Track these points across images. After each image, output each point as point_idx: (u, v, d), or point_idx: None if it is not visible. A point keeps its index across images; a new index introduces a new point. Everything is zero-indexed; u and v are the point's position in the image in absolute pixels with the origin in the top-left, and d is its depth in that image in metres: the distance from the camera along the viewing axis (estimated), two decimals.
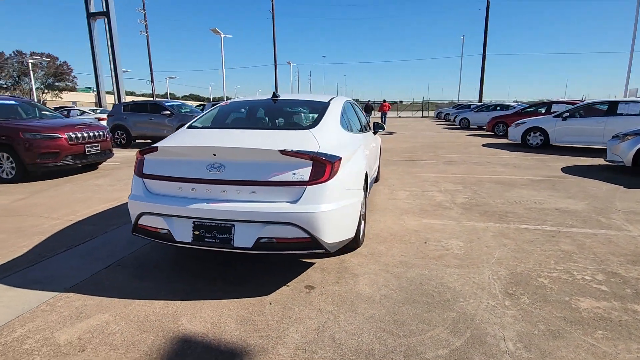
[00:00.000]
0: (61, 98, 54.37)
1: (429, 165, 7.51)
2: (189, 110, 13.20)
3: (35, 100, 37.03)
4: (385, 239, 3.37)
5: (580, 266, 2.75)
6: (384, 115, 21.63)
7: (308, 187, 2.26)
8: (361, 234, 3.15)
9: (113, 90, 24.76)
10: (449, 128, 19.80)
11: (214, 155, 2.32)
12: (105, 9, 20.97)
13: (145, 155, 2.54)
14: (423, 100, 39.29)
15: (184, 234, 2.36)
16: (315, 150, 2.34)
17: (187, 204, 2.32)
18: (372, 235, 3.48)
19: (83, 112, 18.28)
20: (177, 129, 11.63)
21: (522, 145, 10.32)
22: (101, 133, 7.23)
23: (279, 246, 2.29)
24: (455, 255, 2.98)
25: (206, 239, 2.32)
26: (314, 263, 2.88)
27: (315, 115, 2.96)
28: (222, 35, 23.58)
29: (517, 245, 3.17)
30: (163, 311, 2.22)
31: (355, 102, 4.52)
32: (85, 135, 6.86)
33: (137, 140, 12.55)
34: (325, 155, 2.35)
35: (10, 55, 50.02)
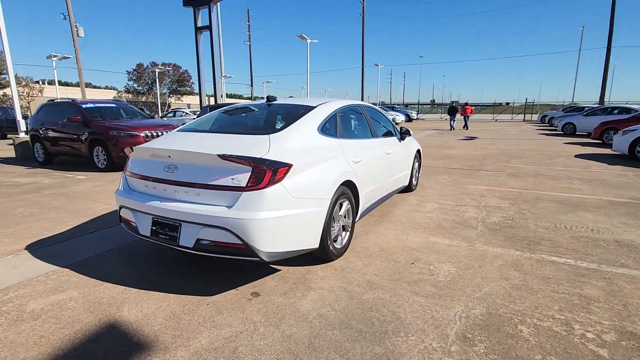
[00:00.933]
0: (182, 101, 63.67)
1: (488, 176, 6.63)
2: None
3: (159, 103, 44.00)
4: (370, 254, 3.11)
5: (591, 319, 2.12)
6: (466, 118, 19.82)
7: (244, 193, 2.24)
8: (338, 246, 2.98)
9: (216, 93, 27.98)
10: (548, 134, 17.08)
11: (169, 157, 2.47)
12: (209, 24, 23.50)
13: (130, 155, 2.84)
14: (526, 102, 34.55)
15: (145, 228, 2.57)
16: (258, 156, 2.30)
17: (147, 201, 2.51)
18: (360, 248, 3.25)
19: (186, 113, 21.20)
20: None
21: (630, 158, 8.32)
22: None
23: (217, 249, 2.32)
24: (435, 283, 2.59)
25: (159, 235, 2.48)
26: (280, 270, 2.83)
27: (290, 120, 2.90)
28: (308, 41, 24.54)
29: (523, 280, 2.60)
30: (118, 296, 2.45)
31: (370, 107, 4.24)
32: (160, 133, 7.91)
33: None
34: (267, 161, 2.29)
35: (147, 66, 60.60)
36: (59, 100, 9.18)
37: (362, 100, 39.46)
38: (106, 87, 66.55)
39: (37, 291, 2.53)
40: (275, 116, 3.12)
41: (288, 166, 2.36)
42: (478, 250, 3.17)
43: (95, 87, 62.83)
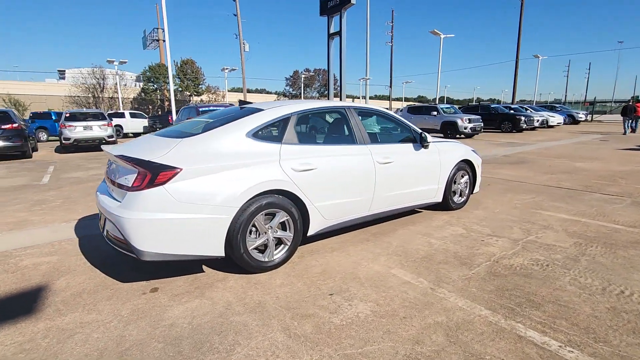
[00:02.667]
0: None
1: (595, 202, 4.78)
2: (453, 110, 16.32)
3: None
4: (303, 275, 2.78)
5: None
6: (636, 120, 14.53)
7: (128, 193, 2.37)
8: (264, 259, 2.79)
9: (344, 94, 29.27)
10: None
11: (108, 158, 2.82)
12: (339, 29, 24.87)
13: None
14: None
15: (100, 216, 3.02)
16: (146, 159, 2.38)
17: (98, 191, 2.94)
18: (302, 266, 2.94)
19: None
20: (441, 124, 15.47)
21: None
22: None
23: (115, 242, 2.53)
24: (322, 323, 2.13)
25: (100, 221, 2.88)
26: (204, 272, 2.85)
27: (222, 124, 2.85)
28: (442, 36, 22.60)
29: (435, 352, 1.85)
30: (73, 267, 2.97)
31: (366, 109, 3.63)
32: None
33: None
34: (152, 164, 2.35)
35: (301, 72, 68.30)
36: (189, 104, 11.42)
37: (513, 97, 33.94)
38: (275, 93, 77.16)
39: (41, 252, 3.31)
40: (221, 119, 3.10)
41: (174, 170, 2.36)
42: (434, 296, 2.41)
43: (268, 92, 74.04)
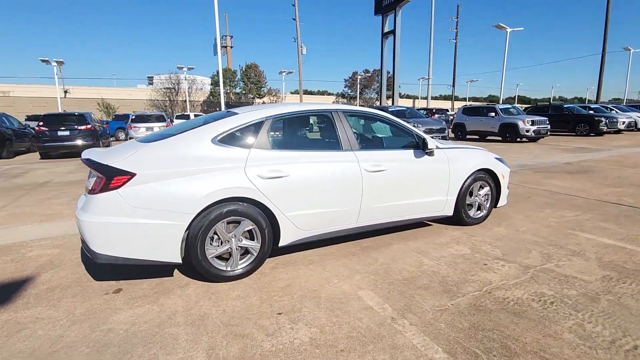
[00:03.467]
0: (387, 103, 67.57)
1: None
2: (515, 111, 14.93)
3: (357, 104, 48.46)
4: (264, 288, 2.63)
5: None
6: None
7: (88, 196, 2.45)
8: (226, 268, 2.70)
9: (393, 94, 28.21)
10: None
11: None
12: (393, 28, 24.31)
13: None
14: None
15: None
16: (105, 163, 2.42)
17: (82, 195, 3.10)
18: (269, 278, 2.79)
19: None
20: (500, 127, 14.01)
21: None
22: None
23: (82, 243, 2.62)
24: (251, 347, 1.97)
25: None
26: (171, 276, 2.85)
27: (191, 127, 2.82)
28: (508, 30, 20.51)
29: None
30: (65, 261, 3.18)
31: (357, 112, 3.33)
32: None
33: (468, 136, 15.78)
34: (107, 169, 2.39)
35: (360, 73, 67.75)
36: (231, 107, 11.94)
37: (598, 95, 29.83)
38: (336, 94, 77.65)
39: (50, 244, 3.61)
40: (196, 124, 3.05)
41: (128, 175, 2.38)
42: (389, 328, 2.10)
43: (330, 94, 74.73)
